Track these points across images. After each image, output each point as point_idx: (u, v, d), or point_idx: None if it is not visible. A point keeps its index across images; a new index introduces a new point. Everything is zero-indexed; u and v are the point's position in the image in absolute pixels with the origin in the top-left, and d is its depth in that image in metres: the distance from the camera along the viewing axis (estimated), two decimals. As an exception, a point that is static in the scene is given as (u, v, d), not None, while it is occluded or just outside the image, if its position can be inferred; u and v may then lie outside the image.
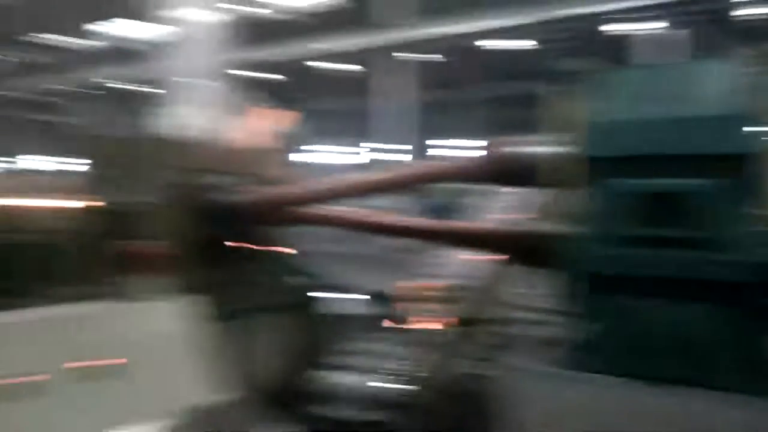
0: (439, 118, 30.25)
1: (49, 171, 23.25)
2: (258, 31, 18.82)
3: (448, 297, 3.68)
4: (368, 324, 3.55)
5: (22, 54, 23.81)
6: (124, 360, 1.32)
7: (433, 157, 24.56)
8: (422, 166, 2.76)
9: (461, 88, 28.24)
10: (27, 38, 23.13)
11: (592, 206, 2.31)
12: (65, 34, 21.00)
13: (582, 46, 16.62)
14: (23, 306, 3.62)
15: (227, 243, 3.68)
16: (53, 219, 4.78)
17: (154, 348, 1.41)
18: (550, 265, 2.48)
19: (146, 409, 1.30)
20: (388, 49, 16.62)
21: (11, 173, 24.26)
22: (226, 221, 3.52)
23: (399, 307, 3.27)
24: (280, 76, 27.41)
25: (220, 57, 4.36)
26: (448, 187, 4.41)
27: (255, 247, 3.76)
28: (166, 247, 1.53)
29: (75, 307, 1.61)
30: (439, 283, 3.92)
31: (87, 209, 3.45)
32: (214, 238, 3.60)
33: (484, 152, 2.54)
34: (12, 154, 26.08)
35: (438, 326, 3.41)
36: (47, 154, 28.52)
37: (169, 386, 1.37)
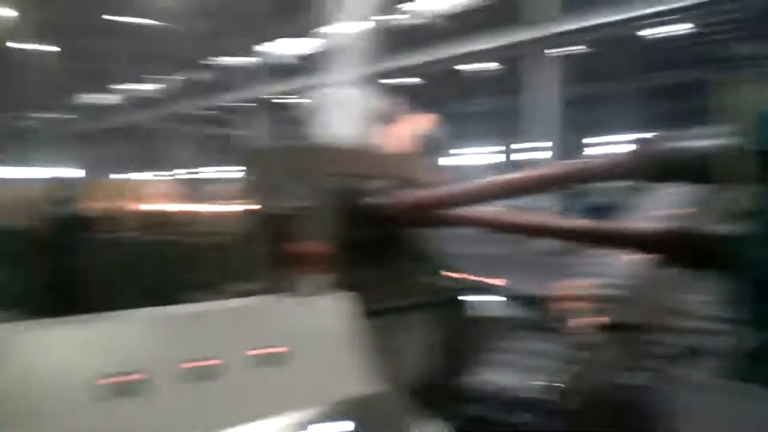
0: (590, 114, 28.78)
1: (220, 179, 25.65)
2: (402, 37, 19.27)
3: (602, 300, 3.53)
4: (517, 326, 3.52)
5: (200, 74, 26.64)
6: (286, 349, 1.46)
7: (585, 155, 23.43)
8: (571, 165, 2.67)
9: (613, 81, 26.68)
10: (205, 61, 25.84)
11: (761, 205, 2.11)
12: (236, 55, 23.09)
13: (753, 28, 14.93)
14: (200, 299, 4.07)
15: (378, 244, 3.85)
16: (225, 223, 5.31)
17: (314, 340, 1.54)
18: (712, 269, 2.30)
19: (304, 396, 1.42)
20: (533, 44, 16.15)
21: (190, 182, 27.10)
22: (376, 223, 3.69)
23: (550, 310, 3.21)
24: (424, 81, 27.78)
25: (368, 66, 4.57)
26: (606, 185, 4.22)
27: (404, 247, 3.90)
28: (324, 247, 1.67)
29: (245, 301, 1.80)
30: (592, 285, 3.78)
31: (251, 213, 3.80)
32: (366, 240, 3.79)
33: (637, 148, 2.41)
34: (193, 165, 29.13)
35: (590, 330, 3.29)
36: (220, 165, 31.49)
37: (325, 377, 1.49)
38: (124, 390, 1.19)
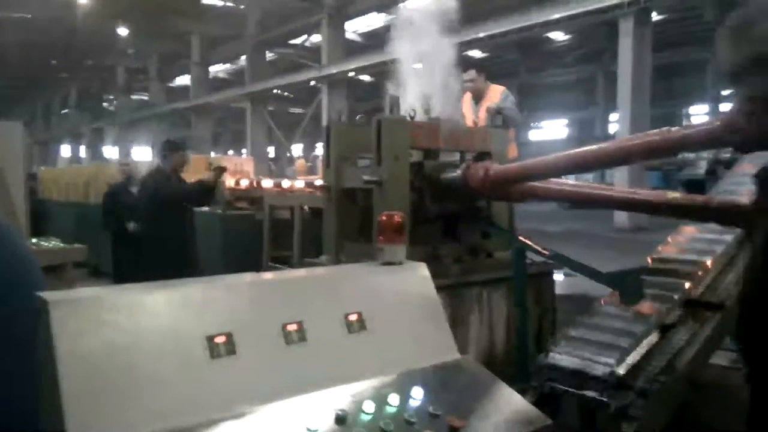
0: (679, 82, 27.21)
1: (300, 156, 26.20)
2: (478, 7, 18.84)
3: (684, 276, 3.40)
4: (596, 302, 3.44)
5: (286, 53, 27.17)
6: (368, 315, 1.50)
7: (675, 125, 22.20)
8: (661, 134, 2.54)
9: (694, 47, 25.06)
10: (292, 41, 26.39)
11: None
12: (318, 33, 23.32)
13: None
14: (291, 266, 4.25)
15: (457, 217, 3.85)
16: (309, 198, 5.48)
17: (395, 308, 1.58)
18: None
19: (385, 362, 1.47)
20: (606, 11, 15.32)
21: (270, 159, 27.88)
22: (455, 197, 3.69)
23: (634, 288, 3.11)
24: (505, 53, 27.12)
25: (445, 38, 4.52)
26: (703, 156, 4.01)
27: (483, 221, 3.88)
28: (404, 217, 1.69)
29: (330, 269, 1.86)
30: (675, 261, 3.64)
31: (331, 188, 3.88)
32: (445, 213, 3.79)
33: (732, 113, 2.26)
34: (273, 143, 29.96)
35: (669, 308, 3.18)
36: (300, 142, 32.17)
37: (405, 344, 1.53)
38: (218, 351, 1.26)
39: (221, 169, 5.80)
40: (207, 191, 5.63)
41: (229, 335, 1.28)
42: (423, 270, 1.69)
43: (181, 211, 5.55)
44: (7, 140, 4.37)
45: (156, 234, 5.47)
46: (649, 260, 3.70)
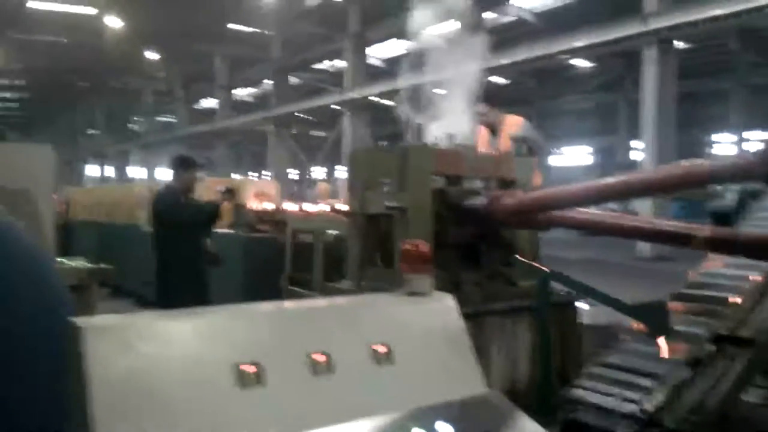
0: (698, 111, 27.00)
1: (323, 180, 26.42)
2: (505, 35, 18.95)
3: (713, 311, 3.32)
4: (621, 334, 3.38)
5: (309, 77, 27.63)
6: (392, 347, 1.49)
7: (704, 155, 22.00)
8: (690, 166, 2.51)
9: (719, 77, 24.91)
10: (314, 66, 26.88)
11: None
12: (341, 58, 23.71)
13: None
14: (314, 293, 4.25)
15: (479, 245, 3.83)
16: (328, 222, 5.49)
17: (419, 339, 1.56)
18: None
19: (410, 395, 1.45)
20: (641, 38, 15.31)
21: (294, 182, 28.11)
22: (478, 224, 3.67)
23: (656, 319, 3.05)
24: (524, 79, 27.19)
25: (469, 66, 4.56)
26: (735, 188, 3.93)
27: (505, 249, 3.85)
28: (427, 246, 1.68)
29: (354, 298, 1.85)
30: (703, 294, 3.56)
31: (355, 213, 3.89)
32: (467, 240, 3.78)
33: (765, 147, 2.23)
34: (297, 166, 30.24)
35: (699, 342, 3.10)
36: (324, 165, 32.39)
37: (430, 377, 1.51)
38: (246, 380, 1.26)
39: (231, 192, 5.69)
40: (213, 212, 5.47)
41: (257, 364, 1.27)
42: (450, 301, 1.67)
43: (193, 233, 5.43)
44: (38, 163, 4.44)
45: (169, 257, 5.39)
46: (676, 292, 3.64)
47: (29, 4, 20.30)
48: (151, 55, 27.11)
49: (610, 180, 2.85)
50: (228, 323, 1.32)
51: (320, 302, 1.66)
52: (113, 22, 21.50)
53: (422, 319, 1.59)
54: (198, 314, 1.32)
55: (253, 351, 1.28)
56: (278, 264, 5.62)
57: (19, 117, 41.27)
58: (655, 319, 2.98)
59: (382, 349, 1.45)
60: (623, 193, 3.01)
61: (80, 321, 1.16)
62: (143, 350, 1.17)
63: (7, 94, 35.64)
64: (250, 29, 25.35)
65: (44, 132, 39.65)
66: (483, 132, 5.71)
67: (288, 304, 1.58)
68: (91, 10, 21.62)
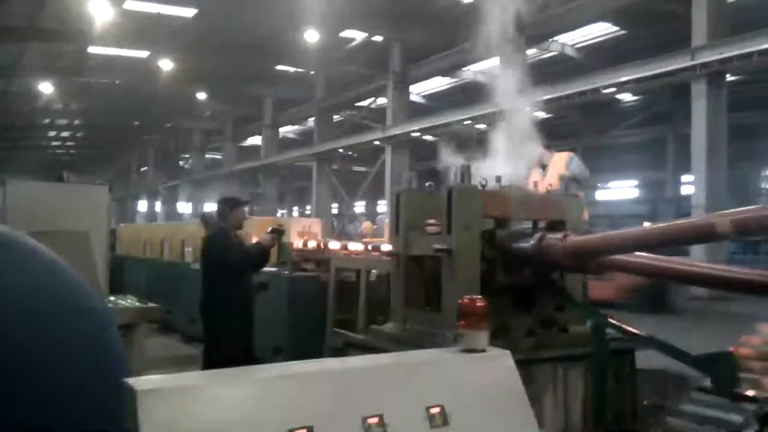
0: (753, 143, 26.13)
1: (366, 218, 26.57)
2: (548, 68, 18.88)
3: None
4: (686, 384, 3.21)
5: (351, 114, 28.19)
6: (452, 406, 1.43)
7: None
8: (749, 212, 2.39)
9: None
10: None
11: None
12: (383, 95, 24.16)
13: None
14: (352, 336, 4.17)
15: (530, 288, 3.73)
16: (375, 261, 5.45)
17: (478, 397, 1.50)
18: None
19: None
20: (676, 74, 14.99)
21: (335, 220, 28.37)
22: (528, 267, 3.58)
23: (725, 369, 2.88)
24: (570, 113, 26.96)
25: (515, 103, 4.53)
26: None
27: (560, 293, 3.73)
28: (485, 301, 1.62)
29: (408, 354, 1.81)
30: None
31: (399, 254, 3.85)
32: (518, 283, 3.68)
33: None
34: (339, 204, 30.59)
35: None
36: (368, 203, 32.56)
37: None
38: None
39: (280, 232, 5.65)
40: (264, 255, 5.38)
41: (310, 429, 1.24)
42: (507, 359, 1.61)
43: (241, 272, 5.31)
44: (94, 202, 4.58)
45: (216, 295, 5.25)
46: (744, 342, 3.44)
47: (90, 50, 21.28)
48: (201, 96, 28.07)
49: (671, 224, 2.74)
50: (281, 385, 1.29)
51: (374, 360, 1.62)
52: (166, 65, 22.39)
53: (478, 377, 1.53)
54: (250, 375, 1.30)
55: (306, 415, 1.24)
56: (321, 303, 5.58)
57: (75, 155, 43.08)
58: (723, 372, 2.81)
59: (438, 411, 1.39)
60: (685, 239, 2.88)
61: (135, 383, 1.15)
62: (197, 415, 1.15)
63: (66, 133, 37.27)
64: (296, 70, 26.04)
65: (99, 170, 41.22)
66: (536, 172, 5.64)
67: (341, 364, 1.54)
68: (145, 54, 22.62)
